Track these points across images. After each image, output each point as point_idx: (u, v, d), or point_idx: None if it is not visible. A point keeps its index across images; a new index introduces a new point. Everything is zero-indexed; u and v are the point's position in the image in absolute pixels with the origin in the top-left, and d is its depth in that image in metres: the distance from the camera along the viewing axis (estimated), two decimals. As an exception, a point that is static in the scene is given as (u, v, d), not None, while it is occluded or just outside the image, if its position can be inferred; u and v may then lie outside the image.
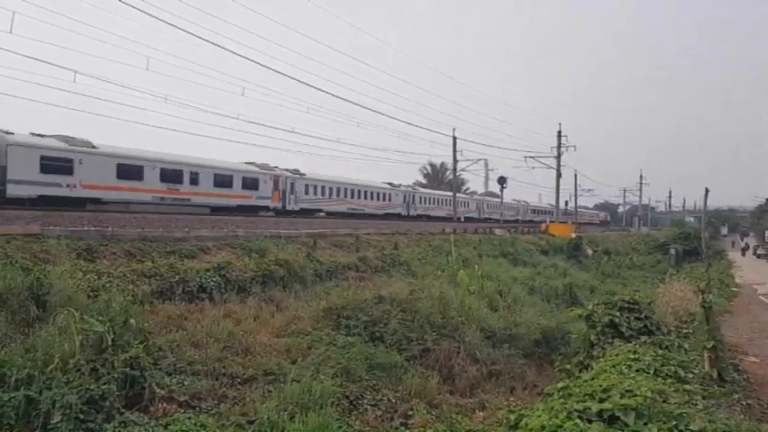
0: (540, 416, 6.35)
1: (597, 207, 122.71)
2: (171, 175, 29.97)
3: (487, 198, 74.04)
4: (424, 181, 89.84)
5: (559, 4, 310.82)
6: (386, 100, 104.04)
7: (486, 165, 66.28)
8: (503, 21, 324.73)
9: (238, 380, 9.43)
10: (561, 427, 5.79)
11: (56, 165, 24.92)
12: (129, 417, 7.57)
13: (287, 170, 39.27)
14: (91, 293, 10.39)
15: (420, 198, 57.55)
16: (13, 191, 23.33)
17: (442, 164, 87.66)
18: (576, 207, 72.99)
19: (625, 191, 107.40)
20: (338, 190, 44.96)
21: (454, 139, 53.64)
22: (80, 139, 26.65)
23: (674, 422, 5.76)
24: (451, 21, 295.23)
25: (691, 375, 8.73)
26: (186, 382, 8.79)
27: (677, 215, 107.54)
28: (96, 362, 7.95)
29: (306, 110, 64.25)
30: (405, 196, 54.49)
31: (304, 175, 40.92)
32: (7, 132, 24.11)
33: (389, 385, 10.42)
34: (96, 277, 11.48)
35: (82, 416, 7.16)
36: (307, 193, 40.93)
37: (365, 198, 48.28)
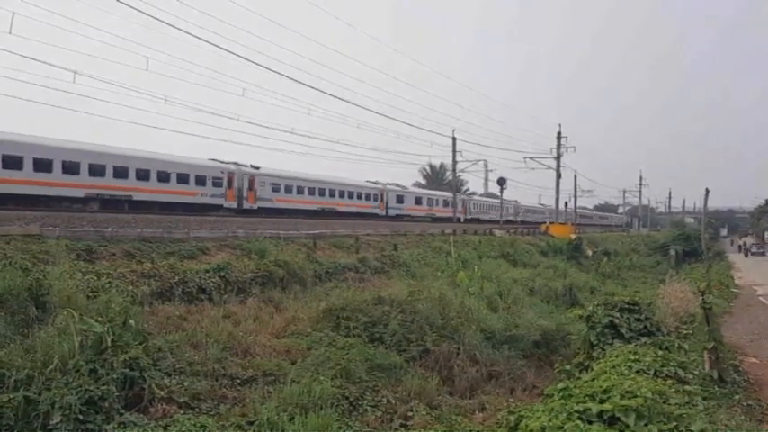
0: (540, 417, 6.35)
1: (597, 208, 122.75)
2: (429, 201, 57.95)
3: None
4: (423, 182, 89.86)
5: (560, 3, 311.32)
6: (386, 101, 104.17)
7: (486, 166, 66.34)
8: (502, 19, 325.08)
9: (238, 381, 9.42)
10: (561, 428, 5.78)
11: (400, 198, 53.57)
12: (129, 417, 7.56)
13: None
14: (90, 294, 10.37)
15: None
16: (389, 212, 50.87)
17: (442, 165, 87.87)
18: (575, 208, 73.00)
19: (625, 192, 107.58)
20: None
21: (454, 140, 53.77)
22: (403, 185, 56.13)
23: (675, 423, 5.76)
24: (449, 21, 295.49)
25: (691, 376, 8.73)
26: (186, 383, 8.77)
27: (677, 216, 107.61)
28: (96, 362, 7.92)
29: (307, 111, 64.23)
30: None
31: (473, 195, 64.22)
32: (386, 184, 51.69)
33: (389, 386, 10.40)
34: (96, 278, 11.45)
35: (81, 417, 7.15)
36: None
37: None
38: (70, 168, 28.34)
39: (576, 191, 71.84)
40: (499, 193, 56.78)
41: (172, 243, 15.69)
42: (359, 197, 48.69)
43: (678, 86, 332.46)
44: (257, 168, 39.06)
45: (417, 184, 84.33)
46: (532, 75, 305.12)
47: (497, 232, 40.72)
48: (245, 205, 37.30)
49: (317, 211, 42.53)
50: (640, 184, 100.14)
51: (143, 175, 31.38)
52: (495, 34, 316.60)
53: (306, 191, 42.62)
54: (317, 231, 22.80)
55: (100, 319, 8.66)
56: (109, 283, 11.39)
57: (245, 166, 38.48)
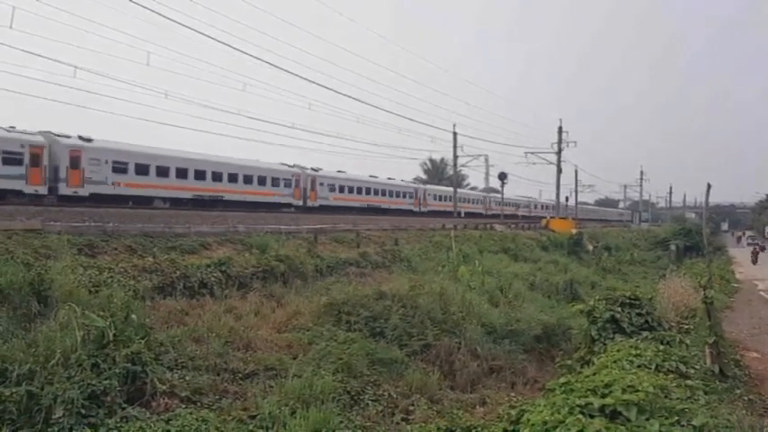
0: (541, 411, 6.34)
1: (598, 203, 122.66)
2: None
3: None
4: (424, 176, 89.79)
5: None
6: (387, 95, 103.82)
7: (487, 160, 66.22)
8: (502, 19, 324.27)
9: (239, 375, 9.44)
10: (563, 422, 5.77)
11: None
12: (131, 412, 7.57)
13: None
14: (92, 289, 10.38)
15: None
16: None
17: (442, 159, 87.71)
18: (576, 203, 72.99)
19: (626, 187, 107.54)
20: None
21: (454, 134, 53.64)
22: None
23: (677, 417, 5.75)
24: (450, 20, 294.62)
25: (692, 371, 8.72)
26: (187, 378, 8.79)
27: (678, 211, 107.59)
28: (98, 357, 7.94)
29: (308, 106, 63.78)
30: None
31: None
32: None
33: (390, 381, 10.43)
34: (97, 273, 11.47)
35: (83, 411, 7.18)
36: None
37: None
38: None
39: (576, 185, 71.90)
40: (500, 188, 56.79)
41: (173, 238, 15.69)
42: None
43: (678, 85, 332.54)
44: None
45: (418, 179, 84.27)
46: (533, 73, 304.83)
47: (498, 227, 40.74)
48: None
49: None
50: (641, 180, 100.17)
51: None
52: (495, 33, 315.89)
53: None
54: (317, 226, 22.81)
55: (102, 313, 8.68)
56: (110, 277, 11.41)
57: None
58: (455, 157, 55.12)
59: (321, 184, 43.06)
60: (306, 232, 20.78)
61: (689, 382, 7.83)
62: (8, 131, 26.28)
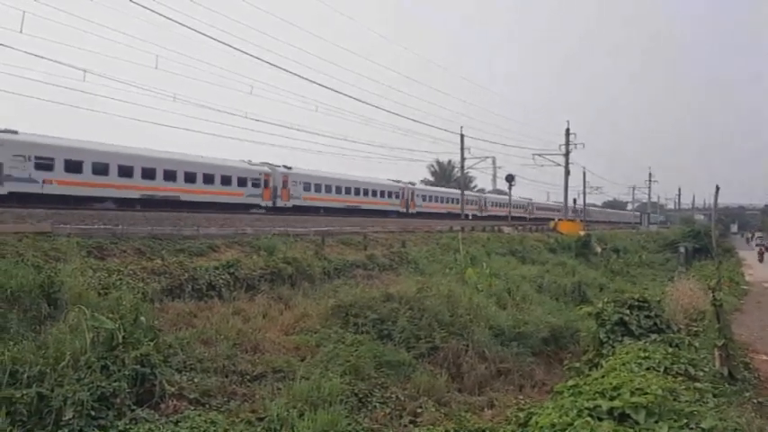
0: (550, 413, 6.34)
1: (606, 205, 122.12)
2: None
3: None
4: (431, 179, 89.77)
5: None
6: (394, 98, 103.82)
7: (494, 162, 66.23)
8: (510, 16, 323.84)
9: (248, 377, 9.46)
10: (571, 425, 5.77)
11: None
12: (140, 414, 7.61)
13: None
14: (101, 291, 10.44)
15: None
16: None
17: (450, 161, 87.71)
18: (584, 204, 72.73)
19: (634, 189, 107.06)
20: None
21: (462, 136, 53.62)
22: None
23: (685, 420, 5.73)
24: (458, 18, 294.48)
25: (701, 373, 8.68)
26: (196, 380, 8.83)
27: (687, 213, 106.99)
28: (107, 359, 7.98)
29: (314, 108, 64.04)
30: None
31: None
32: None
33: (398, 383, 10.43)
34: (107, 275, 11.53)
35: (93, 413, 7.22)
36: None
37: None
38: None
39: (585, 187, 71.64)
40: (508, 190, 56.66)
41: (182, 240, 15.75)
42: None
43: (687, 86, 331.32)
44: None
45: (426, 181, 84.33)
46: (532, 73, 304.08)
47: (506, 229, 40.67)
48: None
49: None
50: (650, 181, 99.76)
51: None
52: (495, 33, 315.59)
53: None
54: (324, 228, 22.84)
55: (111, 315, 8.71)
56: (120, 280, 11.47)
57: None
58: (462, 159, 55.10)
59: (417, 196, 54.61)
60: (313, 234, 20.82)
61: (698, 384, 7.79)
62: (251, 165, 38.82)
